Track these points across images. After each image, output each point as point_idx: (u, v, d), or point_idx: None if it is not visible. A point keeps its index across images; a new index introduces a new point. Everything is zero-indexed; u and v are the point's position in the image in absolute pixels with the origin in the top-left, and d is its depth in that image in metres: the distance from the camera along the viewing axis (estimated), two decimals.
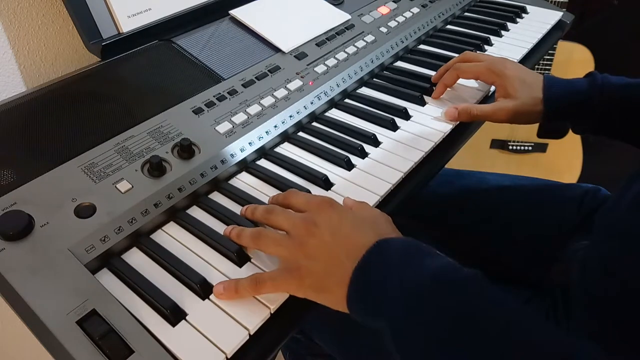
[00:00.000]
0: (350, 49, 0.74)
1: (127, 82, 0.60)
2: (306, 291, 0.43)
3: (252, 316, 0.42)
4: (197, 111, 0.58)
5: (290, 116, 0.63)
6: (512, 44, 0.87)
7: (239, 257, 0.46)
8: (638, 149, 0.65)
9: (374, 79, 0.76)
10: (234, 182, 0.57)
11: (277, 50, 0.70)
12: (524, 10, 0.97)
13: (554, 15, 0.95)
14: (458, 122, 0.67)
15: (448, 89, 0.72)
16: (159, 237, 0.49)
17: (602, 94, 0.64)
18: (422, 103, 0.70)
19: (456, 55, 0.82)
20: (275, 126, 0.61)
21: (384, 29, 0.81)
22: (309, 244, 0.43)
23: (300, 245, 0.44)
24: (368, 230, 0.44)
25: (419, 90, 0.72)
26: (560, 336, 0.36)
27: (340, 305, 0.43)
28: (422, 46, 0.86)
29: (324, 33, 0.76)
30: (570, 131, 0.71)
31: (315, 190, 0.55)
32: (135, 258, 0.47)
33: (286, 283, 0.43)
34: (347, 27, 0.78)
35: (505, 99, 0.66)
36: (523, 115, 0.66)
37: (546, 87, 0.66)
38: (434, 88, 0.72)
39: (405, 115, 0.68)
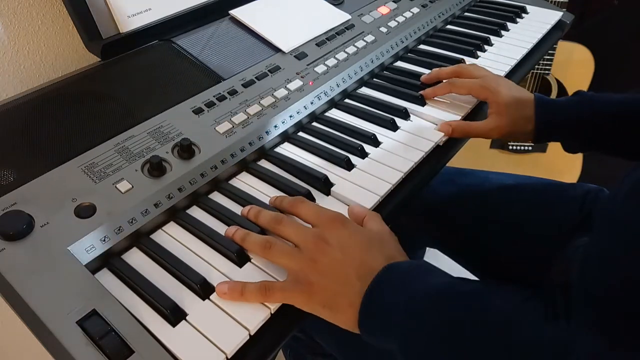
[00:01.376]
0: (350, 49, 0.74)
1: (127, 82, 0.60)
2: (315, 307, 0.44)
3: (253, 316, 0.42)
4: (197, 111, 0.58)
5: (290, 116, 0.63)
6: (512, 44, 0.87)
7: (239, 257, 0.46)
8: (628, 160, 0.65)
9: (374, 79, 0.76)
10: (234, 182, 0.56)
11: (277, 50, 0.70)
12: (524, 10, 0.97)
13: (554, 15, 0.95)
14: None
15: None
16: (159, 237, 0.49)
17: (591, 112, 0.65)
18: (422, 103, 0.70)
19: (456, 55, 0.82)
20: (275, 126, 0.61)
21: (384, 29, 0.81)
22: (320, 261, 0.44)
23: (311, 261, 0.44)
24: (377, 253, 0.45)
25: (419, 90, 0.72)
26: (559, 337, 0.36)
27: (349, 325, 0.43)
28: (422, 46, 0.86)
29: (324, 33, 0.75)
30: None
31: (315, 190, 0.55)
32: (136, 258, 0.47)
33: (296, 297, 0.43)
34: (347, 27, 0.78)
35: (498, 115, 0.67)
36: (515, 134, 0.67)
37: (537, 106, 0.66)
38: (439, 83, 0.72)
39: (405, 115, 0.68)
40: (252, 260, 0.47)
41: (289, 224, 0.47)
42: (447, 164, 0.68)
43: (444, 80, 0.72)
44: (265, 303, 0.43)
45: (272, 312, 0.43)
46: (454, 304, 0.40)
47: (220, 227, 0.50)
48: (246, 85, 0.63)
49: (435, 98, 0.71)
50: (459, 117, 0.68)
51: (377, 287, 0.42)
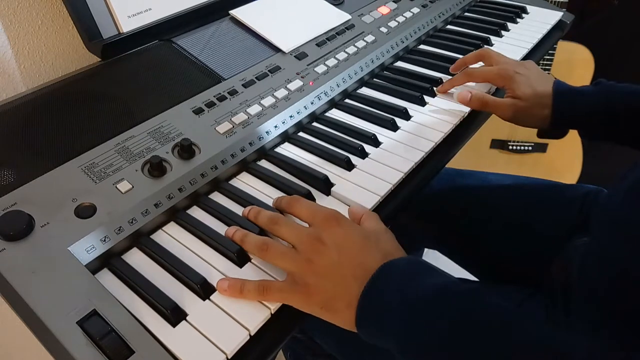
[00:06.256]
0: (351, 49, 0.74)
1: (127, 82, 0.60)
2: (313, 308, 0.44)
3: (253, 316, 0.42)
4: (198, 111, 0.58)
5: (291, 116, 0.63)
6: (512, 44, 0.87)
7: (239, 257, 0.46)
8: None
9: (374, 79, 0.76)
10: (234, 182, 0.56)
11: (277, 50, 0.70)
12: (524, 11, 0.97)
13: (554, 15, 0.95)
14: (458, 122, 0.67)
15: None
16: (159, 237, 0.49)
17: (609, 102, 0.65)
18: (423, 103, 0.70)
19: (457, 55, 0.82)
20: (276, 126, 0.61)
21: (384, 29, 0.81)
22: (317, 262, 0.44)
23: (307, 262, 0.44)
24: (374, 251, 0.45)
25: (419, 90, 0.72)
26: (559, 337, 0.36)
27: (348, 325, 0.43)
28: (422, 46, 0.86)
29: (324, 33, 0.75)
30: (570, 132, 0.72)
31: (316, 191, 0.55)
32: (136, 258, 0.47)
33: (294, 297, 0.43)
34: (347, 27, 0.78)
35: (514, 99, 0.68)
36: (528, 116, 0.68)
37: (555, 94, 0.67)
38: (440, 82, 0.74)
39: (406, 115, 0.68)
40: (252, 261, 0.47)
41: (285, 224, 0.47)
42: (447, 165, 0.68)
43: (461, 71, 0.74)
44: (265, 303, 0.43)
45: (272, 312, 0.43)
46: (452, 305, 0.40)
47: (220, 227, 0.50)
48: (246, 85, 0.63)
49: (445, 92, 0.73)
50: (460, 116, 0.68)
51: (374, 288, 0.42)
